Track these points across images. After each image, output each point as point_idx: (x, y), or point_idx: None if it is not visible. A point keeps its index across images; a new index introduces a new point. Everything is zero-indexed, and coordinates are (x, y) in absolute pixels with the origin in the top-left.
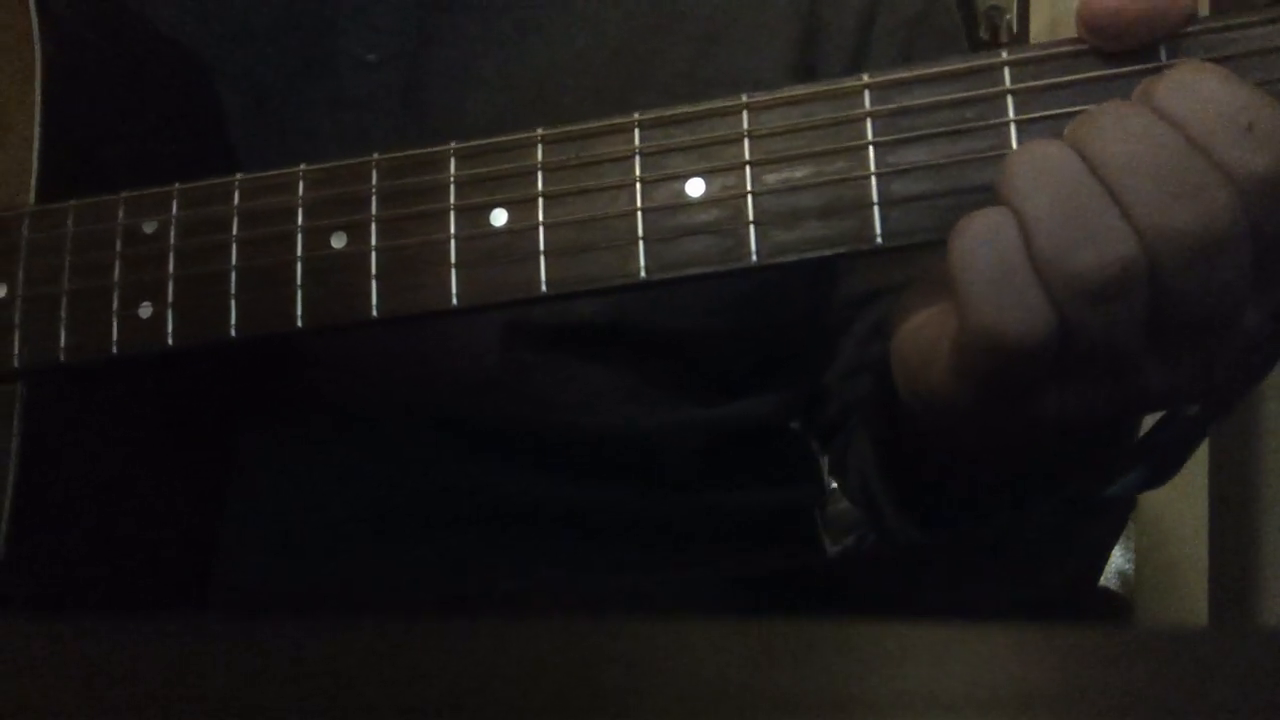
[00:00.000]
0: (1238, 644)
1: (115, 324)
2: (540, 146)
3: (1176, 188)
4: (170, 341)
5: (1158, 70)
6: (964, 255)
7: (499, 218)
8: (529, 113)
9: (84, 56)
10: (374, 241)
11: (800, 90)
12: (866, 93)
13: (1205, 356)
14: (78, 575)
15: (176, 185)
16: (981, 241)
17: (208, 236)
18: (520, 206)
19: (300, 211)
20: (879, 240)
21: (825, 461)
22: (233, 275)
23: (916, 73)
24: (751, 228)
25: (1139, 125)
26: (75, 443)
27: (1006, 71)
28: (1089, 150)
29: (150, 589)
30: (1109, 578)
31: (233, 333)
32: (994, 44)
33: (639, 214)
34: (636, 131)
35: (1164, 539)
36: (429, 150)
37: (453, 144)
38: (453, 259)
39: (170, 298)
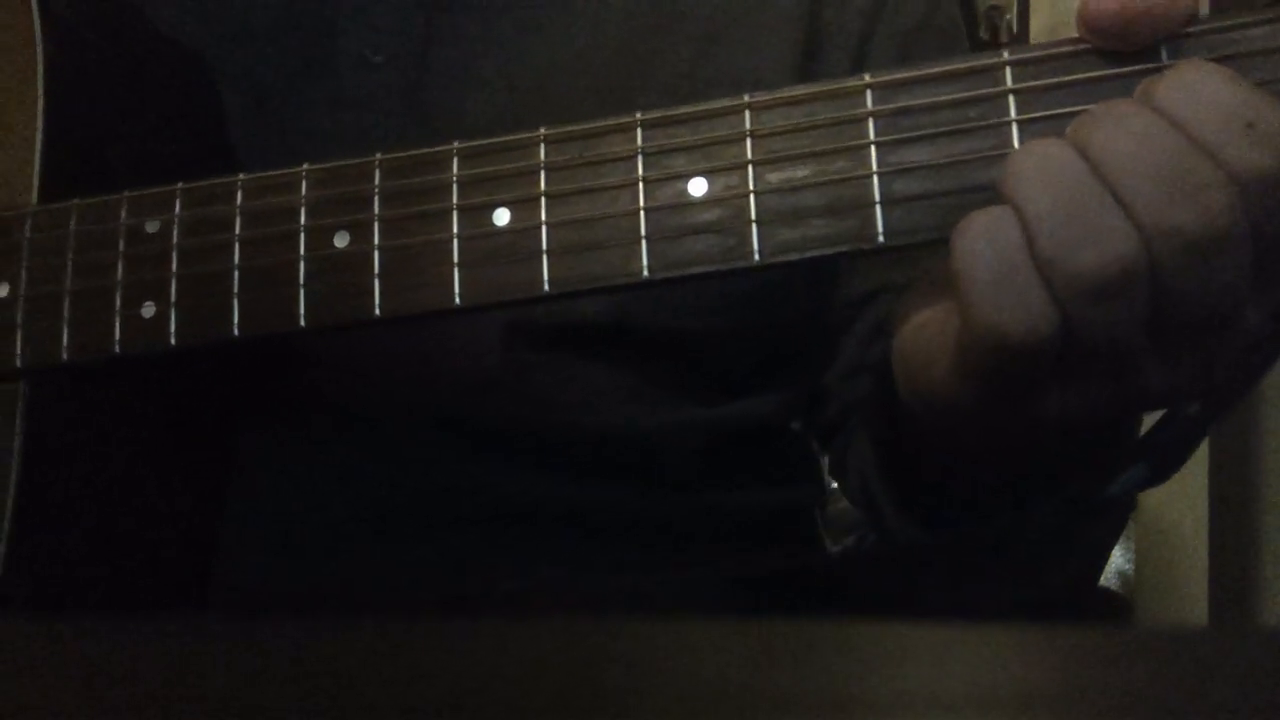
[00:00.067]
0: (1238, 644)
1: (118, 323)
2: (543, 146)
3: (1177, 187)
4: (173, 341)
5: (1158, 70)
6: (966, 254)
7: (502, 217)
8: (530, 113)
9: (85, 57)
10: (377, 241)
11: (802, 90)
12: (868, 92)
13: (1206, 356)
14: (78, 575)
15: (179, 185)
16: (984, 240)
17: (210, 236)
18: (523, 206)
19: (303, 211)
20: (881, 239)
21: (825, 462)
22: (235, 275)
23: (918, 72)
24: (754, 227)
25: (1140, 124)
26: (77, 442)
27: (1008, 71)
28: (1090, 150)
29: (150, 589)
30: (1109, 578)
31: (235, 332)
32: (994, 44)
33: (641, 213)
34: (639, 131)
35: (1164, 539)
36: (432, 150)
37: (455, 144)
38: (455, 258)
39: (173, 297)
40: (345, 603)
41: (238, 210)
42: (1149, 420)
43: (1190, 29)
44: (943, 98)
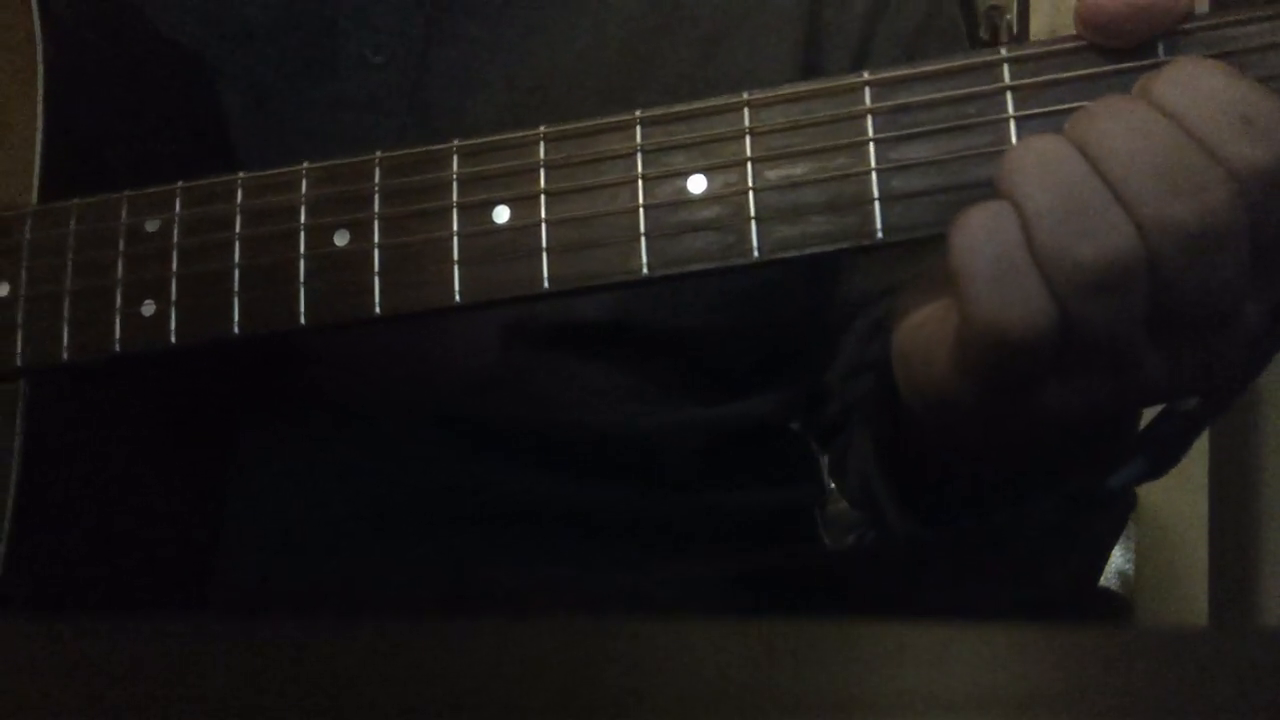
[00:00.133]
0: (1238, 644)
1: (118, 323)
2: (542, 144)
3: (1175, 182)
4: (173, 340)
5: (1156, 66)
6: (965, 250)
7: (501, 215)
8: (531, 114)
9: (85, 57)
10: (377, 239)
11: (801, 87)
12: (867, 89)
13: (1205, 351)
14: (78, 574)
15: (179, 184)
16: (982, 236)
17: (210, 235)
18: (523, 203)
19: (303, 209)
20: (879, 235)
21: (825, 462)
22: (235, 273)
23: (916, 70)
24: (753, 224)
25: (1137, 120)
26: (77, 442)
27: (1006, 68)
28: (1088, 145)
29: (150, 588)
30: (1109, 578)
31: (235, 331)
32: (994, 44)
33: (641, 211)
34: (638, 129)
35: (1164, 539)
36: (431, 148)
37: (455, 142)
38: (455, 256)
39: (173, 296)
40: (345, 601)
41: (238, 209)
42: (1148, 415)
43: (1188, 25)
44: (941, 94)
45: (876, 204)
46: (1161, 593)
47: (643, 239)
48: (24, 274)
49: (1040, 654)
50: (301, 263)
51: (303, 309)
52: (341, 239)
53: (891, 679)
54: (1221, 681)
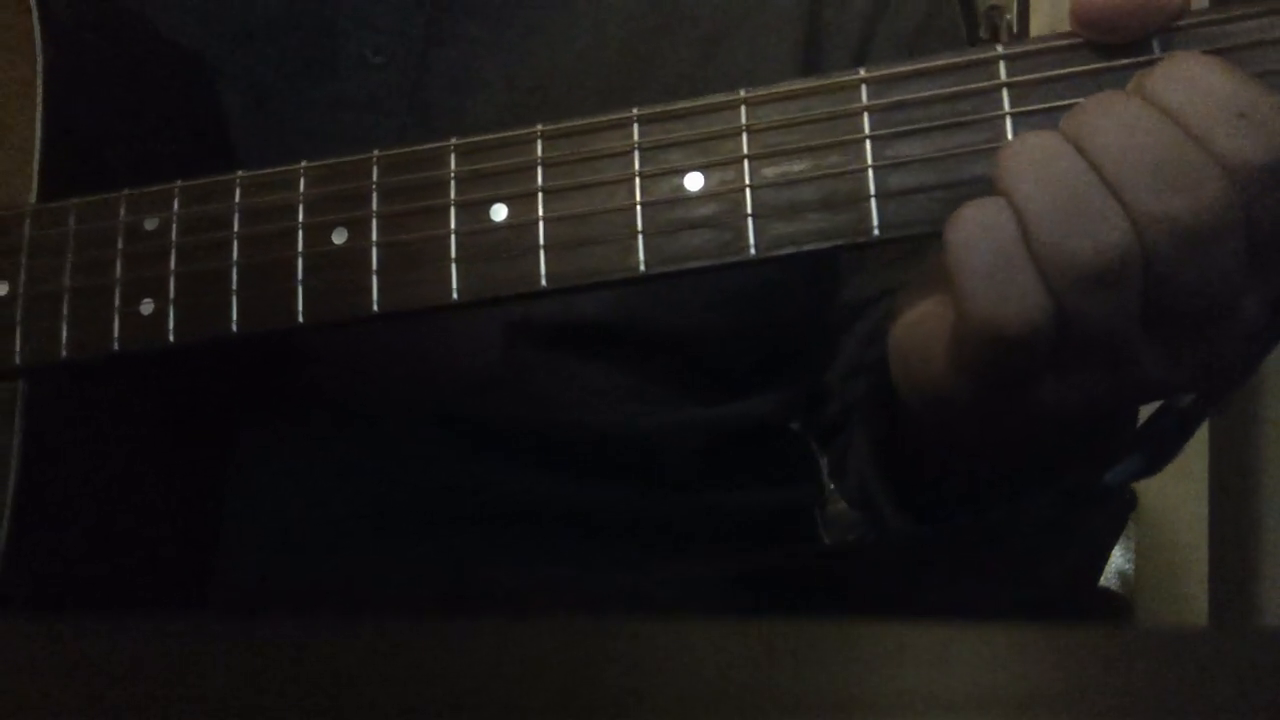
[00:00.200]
0: (1238, 644)
1: (117, 321)
2: (540, 142)
3: (1170, 177)
4: (172, 338)
5: (1151, 63)
6: (961, 246)
7: (499, 213)
8: (532, 114)
9: (85, 57)
10: (375, 237)
11: (797, 85)
12: (863, 87)
13: (1202, 346)
14: (78, 573)
15: (178, 182)
16: (978, 232)
17: (209, 233)
18: (520, 201)
19: (301, 208)
20: (876, 232)
21: (825, 463)
22: (234, 272)
23: (912, 67)
24: (750, 221)
25: (1132, 115)
26: (76, 440)
27: (1001, 65)
28: (1083, 141)
29: (150, 587)
30: (1109, 578)
31: (234, 329)
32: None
33: (638, 208)
34: (635, 127)
35: (1164, 539)
36: (429, 146)
37: (453, 140)
38: (453, 254)
39: (172, 294)
40: (345, 601)
41: (236, 207)
42: (1145, 410)
43: (1182, 22)
44: (937, 92)
45: (873, 201)
46: (1161, 593)
47: (640, 236)
48: (23, 273)
49: (1040, 654)
50: (299, 261)
51: (301, 307)
52: (339, 237)
53: (891, 679)
54: (1221, 681)
